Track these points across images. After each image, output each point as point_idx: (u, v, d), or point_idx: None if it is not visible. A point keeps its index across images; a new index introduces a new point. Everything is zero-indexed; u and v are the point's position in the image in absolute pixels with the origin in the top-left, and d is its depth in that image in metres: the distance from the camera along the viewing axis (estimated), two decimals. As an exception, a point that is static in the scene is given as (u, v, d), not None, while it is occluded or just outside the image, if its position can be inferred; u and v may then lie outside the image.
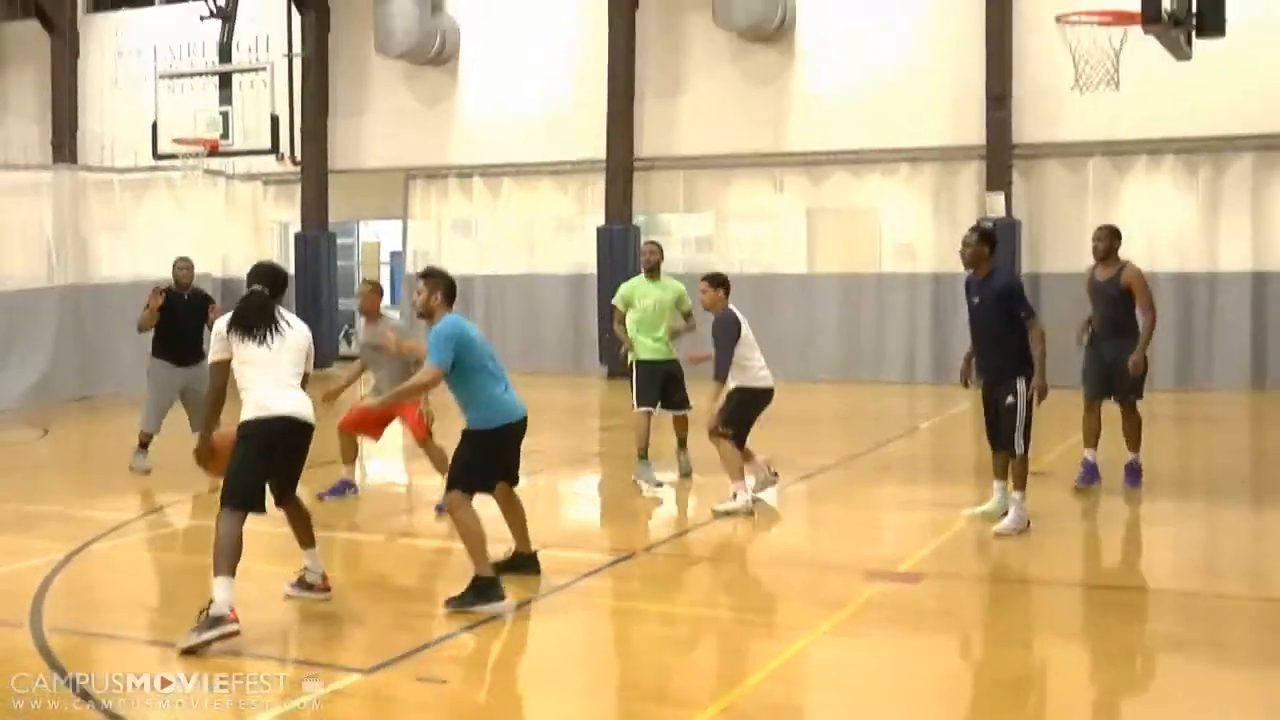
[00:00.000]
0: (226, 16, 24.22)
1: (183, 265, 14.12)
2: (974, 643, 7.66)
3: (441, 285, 8.15)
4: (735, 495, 10.76)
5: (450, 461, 8.29)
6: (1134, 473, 11.90)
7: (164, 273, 22.17)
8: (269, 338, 7.59)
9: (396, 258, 29.46)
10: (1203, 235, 20.51)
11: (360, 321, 12.62)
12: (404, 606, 8.29)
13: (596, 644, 7.71)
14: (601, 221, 23.57)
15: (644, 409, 12.15)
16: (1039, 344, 9.95)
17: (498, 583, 7.79)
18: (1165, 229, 20.67)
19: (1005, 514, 10.01)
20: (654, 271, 12.54)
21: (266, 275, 7.87)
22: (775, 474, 11.51)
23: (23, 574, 8.84)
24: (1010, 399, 9.94)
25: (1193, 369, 20.58)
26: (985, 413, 10.35)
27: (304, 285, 25.30)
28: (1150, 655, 7.37)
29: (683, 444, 12.44)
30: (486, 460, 8.06)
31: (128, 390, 20.56)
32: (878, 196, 22.46)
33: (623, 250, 23.10)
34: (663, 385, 12.20)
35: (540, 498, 12.08)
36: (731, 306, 10.96)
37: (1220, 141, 20.24)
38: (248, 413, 7.45)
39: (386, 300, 32.11)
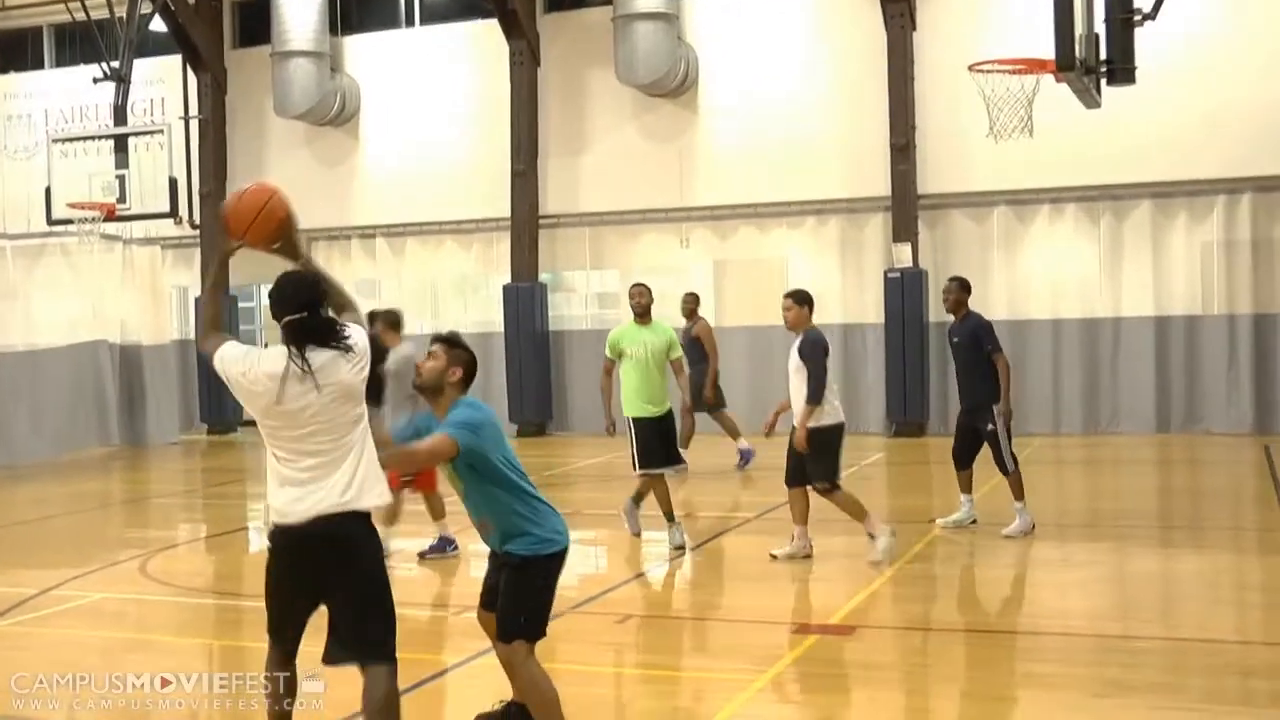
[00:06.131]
0: (120, 79, 23.82)
1: None
2: (914, 695, 7.54)
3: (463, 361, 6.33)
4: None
5: (511, 601, 6.21)
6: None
7: (61, 340, 21.93)
8: None
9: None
10: (1106, 282, 20.81)
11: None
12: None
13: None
14: (507, 280, 23.43)
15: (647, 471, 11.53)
16: (1004, 376, 11.68)
17: None
18: (1069, 276, 20.98)
19: (1013, 522, 11.75)
20: (645, 315, 11.84)
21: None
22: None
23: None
24: (990, 426, 11.73)
25: (1100, 413, 20.82)
26: (956, 437, 12.19)
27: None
28: (1091, 700, 7.30)
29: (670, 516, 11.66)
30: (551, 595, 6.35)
31: (21, 461, 20.07)
32: (784, 249, 22.55)
33: (529, 308, 22.99)
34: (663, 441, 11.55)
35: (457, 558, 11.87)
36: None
37: (1119, 189, 20.59)
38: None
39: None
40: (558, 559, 6.23)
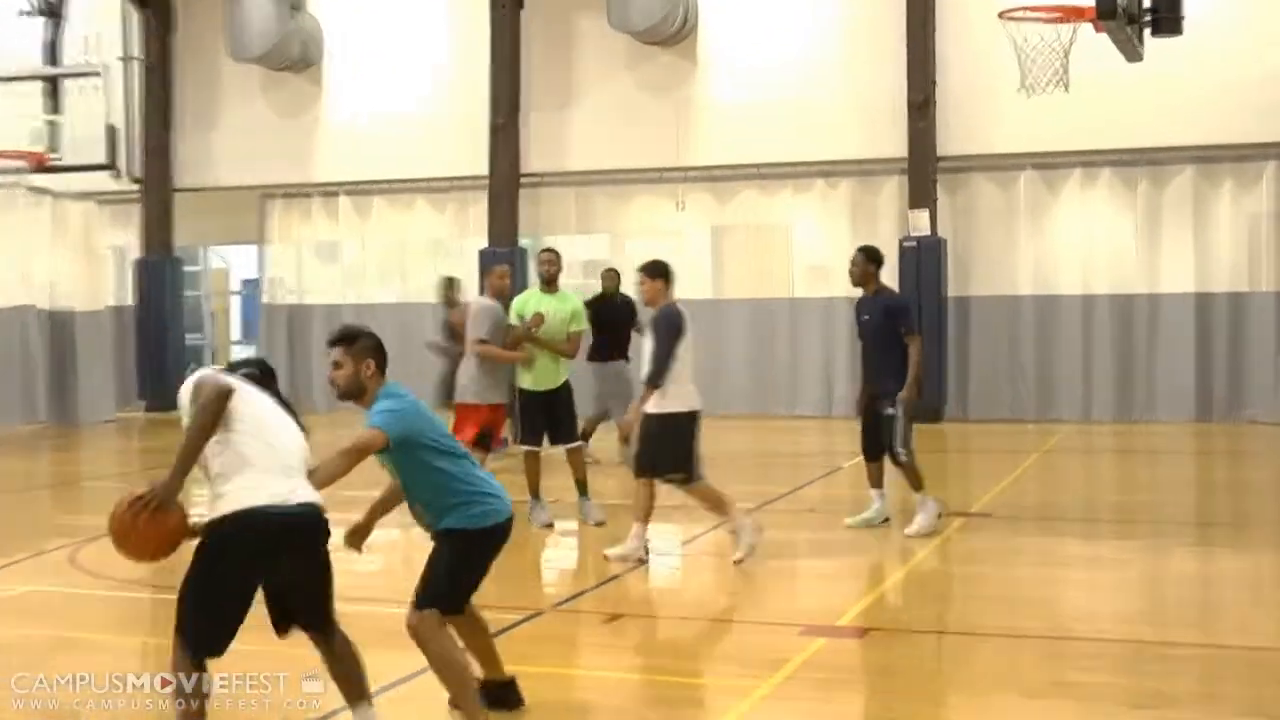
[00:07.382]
0: (52, 12, 23.70)
1: None
2: (931, 703, 7.54)
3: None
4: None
5: (430, 567, 6.57)
6: None
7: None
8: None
9: (250, 286, 29.02)
10: (1142, 254, 20.83)
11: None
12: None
13: (510, 715, 7.48)
14: (484, 244, 23.39)
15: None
16: (915, 358, 11.51)
17: None
18: (1102, 248, 21.02)
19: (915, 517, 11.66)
20: (552, 284, 12.56)
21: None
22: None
23: None
24: (890, 410, 11.57)
25: (1134, 399, 20.87)
26: (862, 427, 12.04)
27: (146, 317, 24.89)
28: (1128, 711, 7.32)
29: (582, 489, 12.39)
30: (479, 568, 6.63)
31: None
32: (789, 214, 22.57)
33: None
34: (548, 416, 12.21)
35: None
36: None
37: (1159, 153, 20.60)
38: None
39: (237, 334, 31.39)
40: (493, 535, 6.56)
